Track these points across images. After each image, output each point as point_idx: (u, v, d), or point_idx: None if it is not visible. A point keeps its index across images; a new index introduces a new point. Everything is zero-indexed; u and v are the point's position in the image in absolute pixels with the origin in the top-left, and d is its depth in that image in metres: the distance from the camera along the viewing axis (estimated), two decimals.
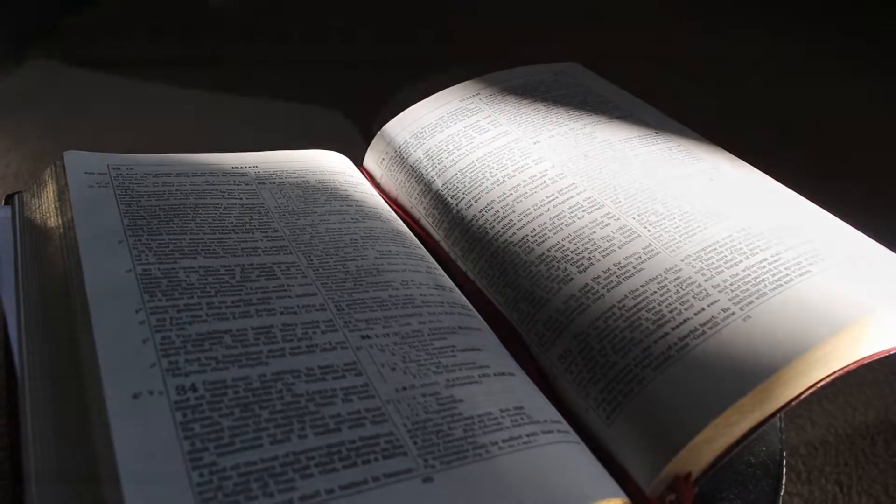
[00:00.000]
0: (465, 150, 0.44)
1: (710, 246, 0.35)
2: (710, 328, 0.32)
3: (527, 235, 0.38)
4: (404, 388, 0.30)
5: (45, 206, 0.37)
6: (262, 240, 0.37)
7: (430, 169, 0.44)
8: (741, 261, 0.34)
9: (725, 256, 0.34)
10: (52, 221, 0.36)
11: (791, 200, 0.39)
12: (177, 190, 0.39)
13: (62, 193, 0.37)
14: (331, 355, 0.30)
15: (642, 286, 0.34)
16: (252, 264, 0.35)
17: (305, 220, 0.39)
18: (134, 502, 0.23)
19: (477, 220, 0.40)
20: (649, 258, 0.35)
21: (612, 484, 0.29)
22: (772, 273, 0.33)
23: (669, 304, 0.33)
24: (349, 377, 0.30)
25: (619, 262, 0.35)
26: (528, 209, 0.39)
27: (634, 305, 0.33)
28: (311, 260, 0.36)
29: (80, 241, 0.33)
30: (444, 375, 0.31)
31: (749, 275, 0.33)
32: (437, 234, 0.41)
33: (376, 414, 0.28)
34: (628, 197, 0.38)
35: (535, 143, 0.43)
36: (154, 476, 0.24)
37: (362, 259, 0.37)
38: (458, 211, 0.41)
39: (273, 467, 0.25)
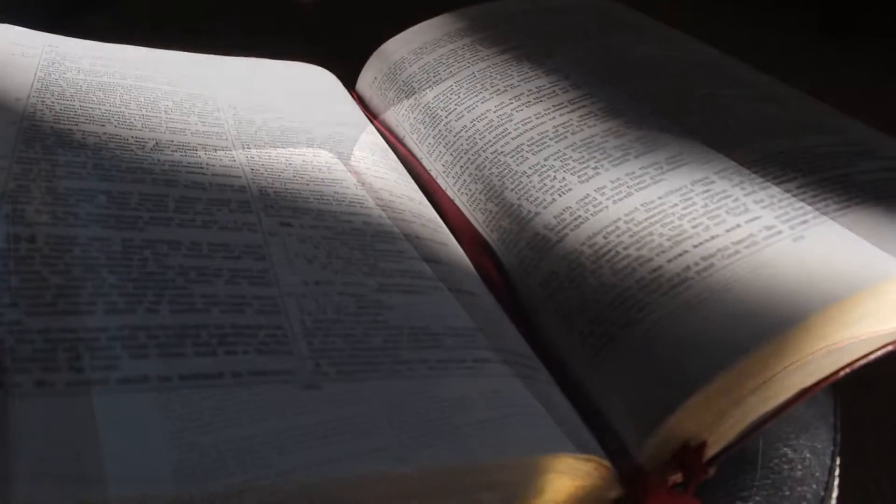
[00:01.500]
0: (468, 62, 0.36)
1: (756, 160, 0.27)
2: (747, 247, 0.23)
3: (522, 144, 0.30)
4: (317, 283, 0.22)
5: None
6: (196, 124, 0.30)
7: (423, 82, 0.37)
8: (797, 177, 0.26)
9: (775, 171, 0.26)
10: None
11: (864, 130, 0.30)
12: (116, 71, 0.33)
13: None
14: (231, 234, 0.23)
15: (660, 198, 0.26)
16: (172, 141, 0.28)
17: (259, 115, 0.33)
18: None
19: (466, 131, 0.32)
20: (673, 168, 0.27)
21: (586, 437, 0.21)
22: (837, 193, 0.25)
23: (694, 219, 0.24)
24: (246, 260, 0.22)
25: (634, 172, 0.27)
26: (530, 117, 0.31)
27: (647, 219, 0.25)
28: (248, 149, 0.29)
29: None
30: (378, 279, 0.23)
31: (807, 192, 0.25)
32: (420, 151, 0.34)
33: (266, 303, 0.21)
34: (656, 108, 0.30)
35: (549, 56, 0.35)
36: None
37: (314, 156, 0.30)
38: (447, 123, 0.34)
39: (97, 339, 0.18)
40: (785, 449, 0.25)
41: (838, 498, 0.26)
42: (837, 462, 0.27)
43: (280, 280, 0.22)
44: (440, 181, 0.32)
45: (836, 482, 0.27)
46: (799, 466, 0.25)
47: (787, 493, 0.24)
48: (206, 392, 0.18)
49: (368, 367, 0.20)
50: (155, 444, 0.16)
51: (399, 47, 0.40)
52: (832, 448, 0.27)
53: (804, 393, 0.23)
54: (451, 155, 0.32)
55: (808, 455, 0.26)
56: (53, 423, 0.16)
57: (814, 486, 0.25)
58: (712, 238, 0.24)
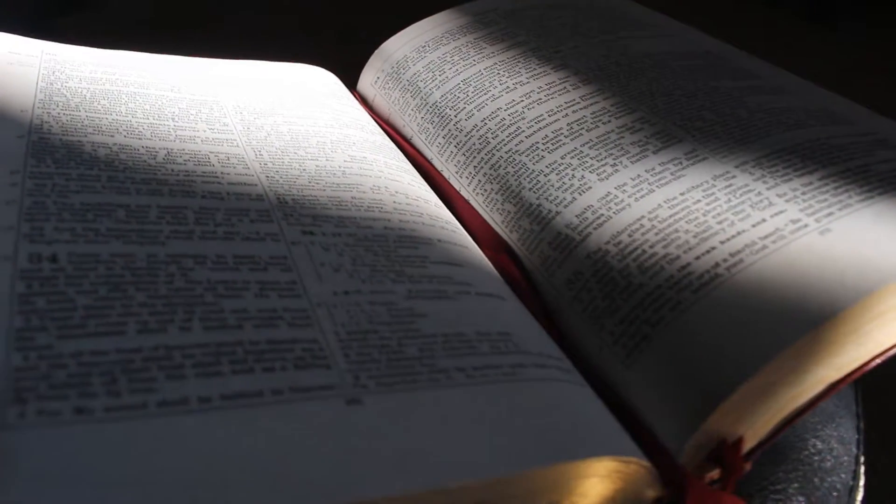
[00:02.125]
0: (473, 59, 0.36)
1: (773, 153, 0.27)
2: (774, 242, 0.23)
3: (537, 143, 0.30)
4: (346, 293, 0.22)
5: None
6: (205, 131, 0.30)
7: (429, 81, 0.36)
8: (817, 169, 0.26)
9: (795, 164, 0.26)
10: None
11: (874, 118, 0.30)
12: (118, 79, 0.32)
13: None
14: (255, 245, 0.23)
15: (682, 194, 0.26)
16: (183, 150, 0.28)
17: (266, 119, 0.32)
18: None
19: (478, 131, 0.32)
20: (692, 164, 0.27)
21: (624, 441, 0.21)
22: (859, 184, 0.25)
23: (718, 215, 0.24)
24: (272, 271, 0.22)
25: (654, 169, 0.27)
26: (542, 115, 0.31)
27: (671, 216, 0.25)
28: (261, 154, 0.29)
29: None
30: (406, 286, 0.23)
31: (828, 184, 0.25)
32: (431, 151, 0.34)
33: (298, 315, 0.21)
34: (669, 103, 0.30)
35: (556, 52, 0.35)
36: None
37: (327, 160, 0.30)
38: (456, 122, 0.33)
39: (131, 361, 0.18)
40: (814, 440, 0.26)
41: (865, 486, 0.26)
42: (862, 450, 0.27)
43: (309, 291, 0.22)
44: (453, 182, 0.32)
45: (863, 470, 0.27)
46: (828, 457, 0.25)
47: (818, 483, 0.25)
48: (248, 412, 0.17)
49: (407, 378, 0.19)
50: (200, 469, 0.16)
51: (400, 46, 0.40)
52: (857, 437, 0.27)
53: (835, 386, 0.23)
54: (464, 155, 0.32)
55: (835, 445, 0.26)
56: (94, 453, 0.16)
57: (843, 475, 0.25)
58: (739, 234, 0.24)
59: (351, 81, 0.41)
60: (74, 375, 0.17)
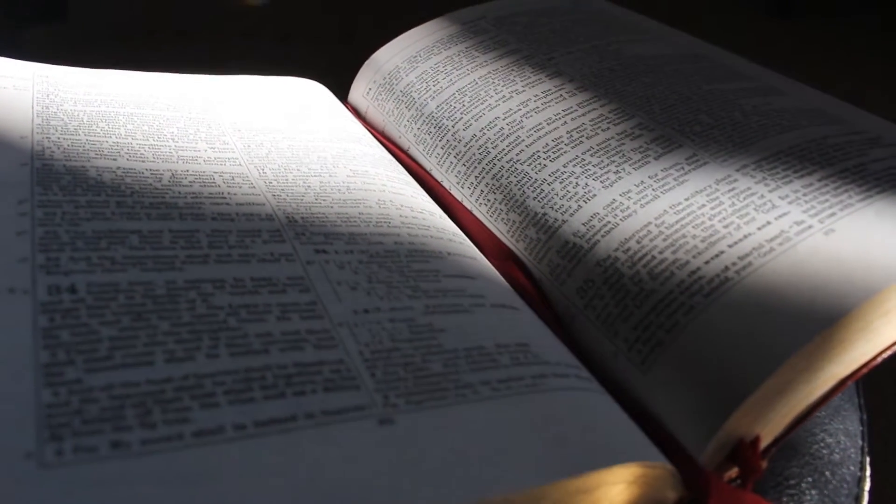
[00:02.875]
0: (467, 69, 0.36)
1: (772, 155, 0.27)
2: (781, 244, 0.24)
3: (538, 151, 0.30)
4: (365, 311, 0.22)
5: None
6: (206, 150, 0.29)
7: (423, 92, 0.36)
8: (815, 170, 0.26)
9: (794, 165, 0.27)
10: None
11: (864, 116, 0.31)
12: (112, 99, 0.32)
13: None
14: (271, 267, 0.23)
15: (687, 199, 0.26)
16: (187, 171, 0.27)
17: (265, 136, 0.32)
18: None
19: (477, 141, 0.32)
20: (694, 168, 0.27)
21: (648, 446, 0.21)
22: (857, 184, 0.26)
23: (724, 219, 0.25)
24: (291, 293, 0.22)
25: (656, 175, 0.27)
26: (541, 123, 0.31)
27: (677, 221, 0.25)
28: (264, 172, 0.29)
29: None
30: (423, 301, 0.23)
31: (828, 185, 0.25)
32: (429, 162, 0.34)
33: (322, 337, 0.21)
34: (665, 108, 0.31)
35: (549, 60, 0.36)
36: None
37: (330, 176, 0.30)
38: (454, 133, 0.33)
39: (163, 391, 0.18)
40: (822, 434, 0.26)
41: (872, 477, 0.27)
42: (867, 441, 0.28)
43: (329, 311, 0.22)
44: (455, 192, 0.32)
45: (869, 461, 0.27)
46: (836, 450, 0.26)
47: (830, 476, 0.25)
48: (283, 437, 0.17)
49: (436, 395, 0.20)
50: (242, 497, 0.16)
51: (391, 56, 0.40)
52: (861, 429, 0.28)
53: (845, 381, 0.23)
54: (464, 165, 0.32)
55: (842, 438, 0.27)
56: (135, 487, 0.16)
57: (851, 467, 0.26)
58: (745, 237, 0.24)
59: (345, 89, 0.41)
60: (107, 409, 0.17)
